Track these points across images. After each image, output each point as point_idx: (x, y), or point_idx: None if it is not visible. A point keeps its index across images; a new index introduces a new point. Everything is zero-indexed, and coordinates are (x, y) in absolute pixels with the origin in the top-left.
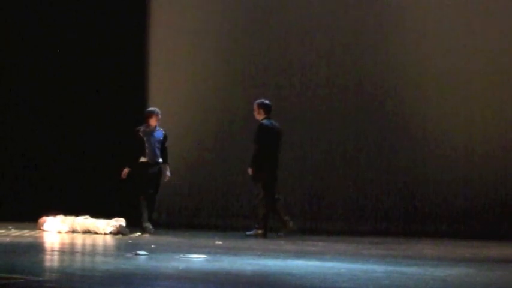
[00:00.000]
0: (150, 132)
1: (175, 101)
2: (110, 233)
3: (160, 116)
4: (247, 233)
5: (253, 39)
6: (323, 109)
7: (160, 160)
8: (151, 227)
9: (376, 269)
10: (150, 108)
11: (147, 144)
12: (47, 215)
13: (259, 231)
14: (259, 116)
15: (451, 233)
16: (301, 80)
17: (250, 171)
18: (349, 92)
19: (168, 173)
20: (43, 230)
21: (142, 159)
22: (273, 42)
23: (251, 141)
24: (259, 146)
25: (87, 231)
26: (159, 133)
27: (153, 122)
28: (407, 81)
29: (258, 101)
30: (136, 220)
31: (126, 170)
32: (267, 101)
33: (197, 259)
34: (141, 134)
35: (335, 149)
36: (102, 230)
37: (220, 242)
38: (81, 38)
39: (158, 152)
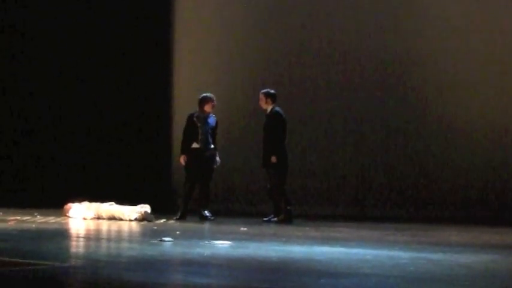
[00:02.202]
0: (205, 118)
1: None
2: (135, 219)
3: (215, 102)
4: (265, 219)
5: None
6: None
7: (212, 146)
8: (177, 217)
9: (401, 255)
10: (205, 94)
11: (200, 131)
12: (73, 201)
13: (282, 217)
14: (267, 105)
15: (475, 220)
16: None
17: (274, 159)
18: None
19: (218, 158)
20: (68, 217)
21: (195, 145)
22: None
23: (263, 129)
24: (277, 133)
25: (112, 218)
26: (212, 119)
27: (208, 108)
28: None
29: (264, 90)
30: (161, 206)
31: (183, 157)
32: (272, 90)
33: (222, 245)
34: (195, 119)
35: (348, 136)
36: (127, 216)
37: (245, 229)
38: (106, 32)
39: (210, 139)
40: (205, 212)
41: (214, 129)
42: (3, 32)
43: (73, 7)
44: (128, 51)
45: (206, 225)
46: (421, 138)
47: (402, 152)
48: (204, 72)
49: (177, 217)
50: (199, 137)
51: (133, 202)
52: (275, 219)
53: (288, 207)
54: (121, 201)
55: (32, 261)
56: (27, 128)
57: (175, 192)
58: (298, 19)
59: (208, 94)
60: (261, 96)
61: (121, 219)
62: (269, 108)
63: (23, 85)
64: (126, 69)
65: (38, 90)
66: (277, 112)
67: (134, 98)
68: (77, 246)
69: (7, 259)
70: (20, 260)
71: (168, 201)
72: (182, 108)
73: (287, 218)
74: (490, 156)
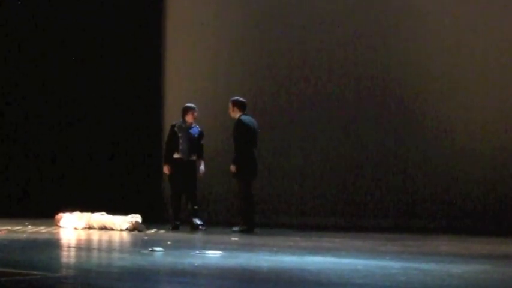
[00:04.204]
0: (186, 129)
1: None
2: (126, 229)
3: (197, 112)
4: (234, 228)
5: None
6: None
7: (195, 157)
8: (171, 227)
9: (392, 265)
10: (188, 104)
11: (181, 141)
12: (64, 211)
13: (245, 227)
14: (234, 114)
15: (466, 230)
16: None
17: (233, 168)
18: (350, 91)
19: (202, 167)
20: (60, 227)
21: (176, 155)
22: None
23: (231, 138)
24: (240, 142)
25: (103, 228)
26: (195, 130)
27: (189, 118)
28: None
29: (233, 98)
30: (153, 216)
31: (167, 167)
32: (241, 99)
33: (213, 255)
34: (176, 129)
35: (339, 145)
36: (118, 226)
37: (236, 239)
38: (97, 35)
39: (193, 149)
40: (196, 220)
41: (198, 139)
42: None
43: (61, 13)
44: (118, 61)
45: (197, 235)
46: (412, 150)
47: (394, 162)
48: (195, 82)
49: (172, 227)
50: (180, 147)
51: (125, 212)
52: (237, 228)
53: (251, 217)
54: (112, 211)
55: (22, 272)
56: (18, 139)
57: (166, 202)
58: (294, 24)
59: (189, 104)
60: (229, 104)
61: (112, 229)
62: (236, 116)
63: (14, 96)
64: (116, 80)
65: (29, 101)
66: (240, 121)
67: (125, 107)
68: (68, 256)
69: None
70: (11, 270)
71: (159, 211)
72: (173, 117)
73: (249, 228)
74: (482, 167)
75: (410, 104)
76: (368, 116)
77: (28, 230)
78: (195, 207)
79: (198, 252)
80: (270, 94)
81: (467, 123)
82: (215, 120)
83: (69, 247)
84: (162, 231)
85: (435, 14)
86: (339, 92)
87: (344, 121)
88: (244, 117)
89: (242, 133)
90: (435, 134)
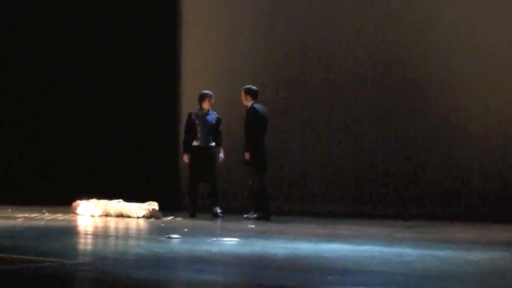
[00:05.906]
0: (203, 116)
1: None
2: (143, 216)
3: (213, 99)
4: (245, 215)
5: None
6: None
7: (213, 144)
8: (188, 214)
9: (409, 252)
10: (204, 91)
11: (199, 128)
12: (81, 198)
13: (261, 214)
14: (247, 102)
15: (483, 217)
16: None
17: (247, 155)
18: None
19: (221, 154)
20: (76, 214)
21: (195, 143)
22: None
23: (242, 126)
24: (253, 130)
25: (120, 215)
26: (212, 116)
27: (206, 105)
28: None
29: (245, 87)
30: (169, 203)
31: (186, 155)
32: (253, 87)
33: (230, 243)
34: (193, 117)
35: (353, 133)
36: (135, 213)
37: (252, 226)
38: (117, 28)
39: (210, 136)
40: (216, 208)
41: (215, 126)
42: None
43: (83, 10)
44: (134, 49)
45: (214, 223)
46: (426, 136)
47: (407, 149)
48: (211, 70)
49: (188, 214)
50: (198, 135)
51: (141, 199)
52: (254, 215)
53: (267, 204)
54: (129, 198)
55: (40, 259)
56: (36, 126)
57: (182, 190)
58: (303, 18)
59: (206, 91)
60: (242, 92)
61: (129, 217)
62: (249, 104)
63: (30, 83)
64: (132, 69)
65: (46, 89)
66: (253, 109)
67: (141, 96)
68: (85, 244)
69: (15, 256)
70: (28, 257)
71: (175, 199)
72: (189, 106)
73: (265, 215)
74: (496, 154)
75: (421, 91)
76: (382, 104)
77: (45, 217)
78: (216, 195)
79: (214, 239)
80: (284, 83)
81: (479, 109)
82: (232, 109)
83: (86, 234)
84: (179, 219)
85: (436, 12)
86: (341, 86)
87: (358, 110)
88: (257, 105)
89: (255, 121)
90: (449, 122)
